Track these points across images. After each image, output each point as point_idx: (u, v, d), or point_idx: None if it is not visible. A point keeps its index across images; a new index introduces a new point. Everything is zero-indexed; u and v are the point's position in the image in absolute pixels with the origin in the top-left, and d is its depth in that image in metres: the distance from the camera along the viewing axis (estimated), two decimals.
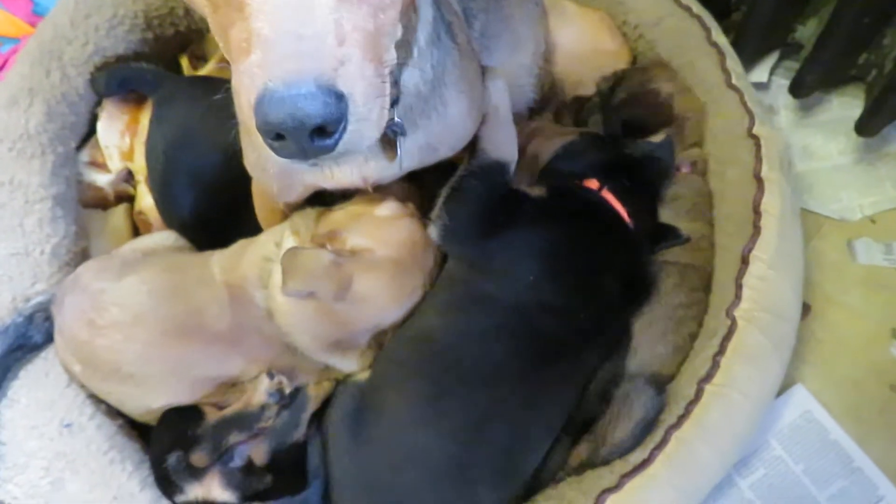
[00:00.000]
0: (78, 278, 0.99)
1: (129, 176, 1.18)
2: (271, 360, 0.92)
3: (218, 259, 0.97)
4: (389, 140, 0.82)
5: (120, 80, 1.12)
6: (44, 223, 1.05)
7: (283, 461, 0.89)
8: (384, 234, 0.87)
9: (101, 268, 1.00)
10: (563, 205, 0.94)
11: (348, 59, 0.52)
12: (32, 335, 0.98)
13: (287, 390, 0.90)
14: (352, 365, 0.92)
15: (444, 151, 0.89)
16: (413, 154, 0.84)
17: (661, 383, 0.93)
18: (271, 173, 0.84)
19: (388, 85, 0.57)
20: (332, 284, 0.84)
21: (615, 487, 0.82)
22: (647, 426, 0.88)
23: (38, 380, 0.97)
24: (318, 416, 0.93)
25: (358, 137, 0.54)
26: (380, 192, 0.92)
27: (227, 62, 1.17)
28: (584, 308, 0.90)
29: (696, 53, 1.10)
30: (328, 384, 0.92)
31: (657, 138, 1.04)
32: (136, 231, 1.20)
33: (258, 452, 0.88)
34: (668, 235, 1.00)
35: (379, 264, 0.86)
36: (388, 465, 0.85)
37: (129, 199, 1.20)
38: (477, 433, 0.84)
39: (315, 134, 0.51)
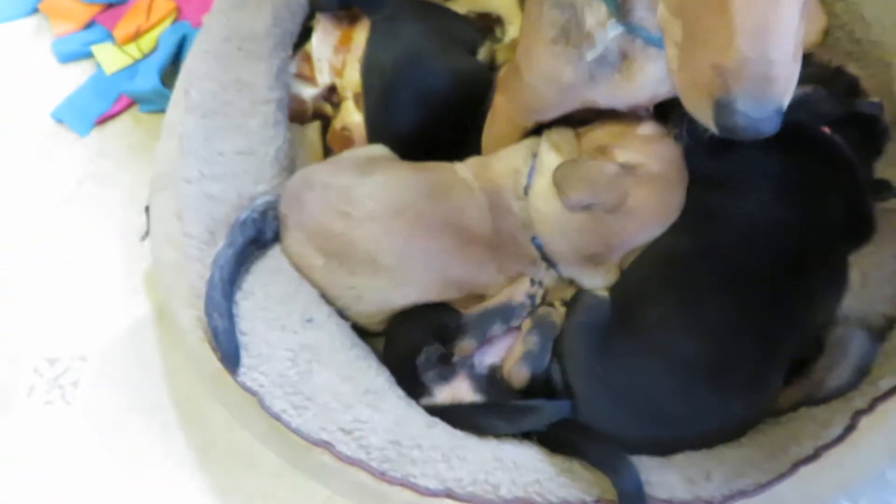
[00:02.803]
0: (310, 177, 1.00)
1: (328, 93, 1.18)
2: (518, 273, 0.94)
3: (464, 168, 0.98)
4: None
5: None
6: (267, 125, 1.06)
7: (534, 389, 0.90)
8: (654, 151, 0.90)
9: (333, 168, 1.01)
10: (797, 134, 0.96)
11: (795, 74, 0.57)
12: (266, 231, 0.99)
13: (538, 300, 0.92)
14: (596, 281, 0.94)
15: None
16: None
17: (881, 326, 0.96)
18: (561, 85, 0.85)
19: None
20: (613, 195, 0.86)
21: (867, 410, 0.85)
22: (862, 372, 0.91)
23: (271, 276, 0.98)
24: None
25: None
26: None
27: None
28: (814, 230, 0.93)
29: None
30: (563, 310, 0.94)
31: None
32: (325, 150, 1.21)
33: (519, 375, 0.89)
34: (884, 189, 1.03)
35: (652, 179, 0.88)
36: (640, 374, 0.88)
37: (323, 117, 1.20)
38: (731, 339, 0.87)
39: None
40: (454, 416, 0.90)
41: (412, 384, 0.91)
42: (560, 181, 0.87)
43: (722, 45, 0.55)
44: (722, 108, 0.56)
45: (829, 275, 0.95)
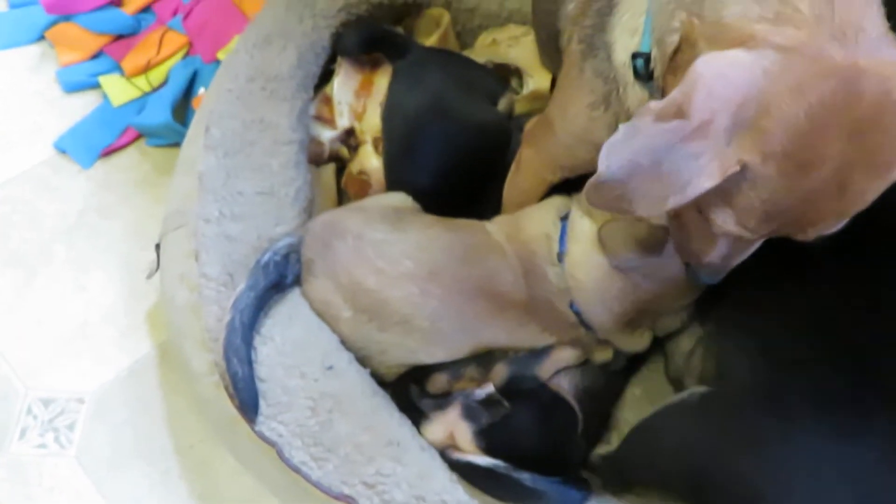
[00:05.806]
0: (339, 225, 0.97)
1: (346, 136, 1.17)
2: (559, 334, 0.94)
3: (495, 228, 0.97)
4: None
5: (365, 39, 1.12)
6: (289, 166, 1.04)
7: (517, 390, 0.91)
8: None
9: (363, 218, 0.98)
10: None
11: None
12: (287, 275, 0.96)
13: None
14: (631, 344, 0.95)
15: None
16: None
17: None
18: (594, 146, 0.85)
19: None
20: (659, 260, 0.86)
21: None
22: None
23: (290, 321, 0.95)
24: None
25: None
26: None
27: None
28: None
29: None
30: (609, 352, 0.95)
31: None
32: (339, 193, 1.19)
33: (498, 374, 0.91)
34: None
35: None
36: None
37: (339, 159, 1.19)
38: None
39: None
40: (465, 472, 0.87)
41: (410, 409, 0.92)
42: (607, 240, 0.87)
43: (704, 249, 0.75)
44: (692, 270, 0.80)
45: None
